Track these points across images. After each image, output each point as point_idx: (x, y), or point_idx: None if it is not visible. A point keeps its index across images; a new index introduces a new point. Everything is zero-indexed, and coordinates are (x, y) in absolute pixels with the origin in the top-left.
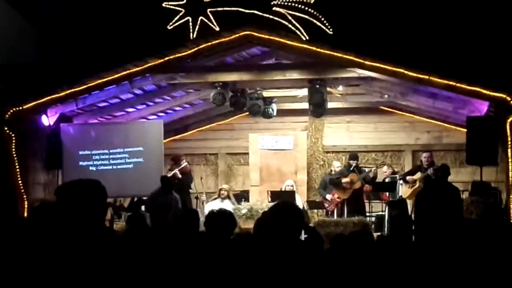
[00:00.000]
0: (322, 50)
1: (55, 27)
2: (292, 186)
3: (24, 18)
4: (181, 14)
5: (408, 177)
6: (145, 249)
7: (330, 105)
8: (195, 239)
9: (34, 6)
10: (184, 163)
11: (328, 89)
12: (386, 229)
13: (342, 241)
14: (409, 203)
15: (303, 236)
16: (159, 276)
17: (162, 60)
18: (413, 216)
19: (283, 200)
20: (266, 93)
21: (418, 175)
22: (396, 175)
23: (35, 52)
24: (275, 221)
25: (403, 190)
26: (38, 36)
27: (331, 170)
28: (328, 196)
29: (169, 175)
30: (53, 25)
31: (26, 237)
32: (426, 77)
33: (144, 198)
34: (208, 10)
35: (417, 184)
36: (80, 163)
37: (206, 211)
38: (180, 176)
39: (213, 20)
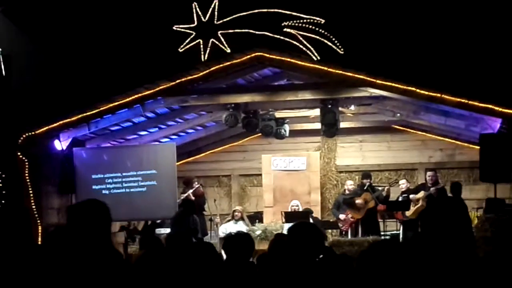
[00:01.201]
0: (333, 70)
1: (61, 49)
2: (297, 206)
3: (30, 40)
4: (192, 36)
5: (411, 196)
6: (163, 273)
7: (343, 124)
8: (215, 262)
9: (38, 24)
10: (196, 185)
11: (340, 108)
12: None
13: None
14: None
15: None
16: None
17: (173, 83)
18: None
19: (299, 220)
20: (278, 114)
21: (421, 194)
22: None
23: (38, 73)
24: (294, 241)
25: None
26: (42, 57)
27: (345, 190)
28: (342, 216)
29: (182, 197)
30: (59, 47)
31: (42, 263)
32: (438, 95)
33: (158, 221)
34: (219, 32)
35: (420, 203)
36: (93, 187)
37: (220, 233)
38: (193, 198)
39: (224, 42)
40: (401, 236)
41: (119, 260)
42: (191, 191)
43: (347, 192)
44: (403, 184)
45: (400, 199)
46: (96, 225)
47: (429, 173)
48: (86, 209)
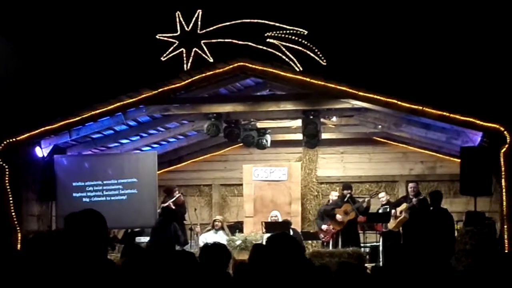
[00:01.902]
0: (315, 81)
1: (43, 55)
2: (277, 217)
3: (12, 44)
4: (175, 45)
5: (393, 210)
6: (143, 282)
7: (324, 136)
8: (192, 272)
9: (20, 31)
10: (177, 195)
11: (322, 120)
12: (380, 259)
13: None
14: None
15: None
16: None
17: (156, 92)
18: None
19: (279, 231)
20: (260, 124)
21: (403, 206)
22: (388, 206)
23: (20, 79)
24: (271, 252)
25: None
26: (24, 63)
27: (329, 200)
28: (324, 227)
29: (162, 206)
30: (41, 53)
31: (21, 269)
32: (420, 107)
33: (137, 229)
34: (202, 41)
35: (403, 215)
36: (74, 194)
37: (200, 243)
38: (173, 207)
39: (207, 52)
40: (381, 247)
41: (114, 271)
42: (171, 200)
43: (330, 202)
44: (382, 197)
45: (380, 211)
46: (94, 235)
47: (410, 185)
48: (84, 218)
